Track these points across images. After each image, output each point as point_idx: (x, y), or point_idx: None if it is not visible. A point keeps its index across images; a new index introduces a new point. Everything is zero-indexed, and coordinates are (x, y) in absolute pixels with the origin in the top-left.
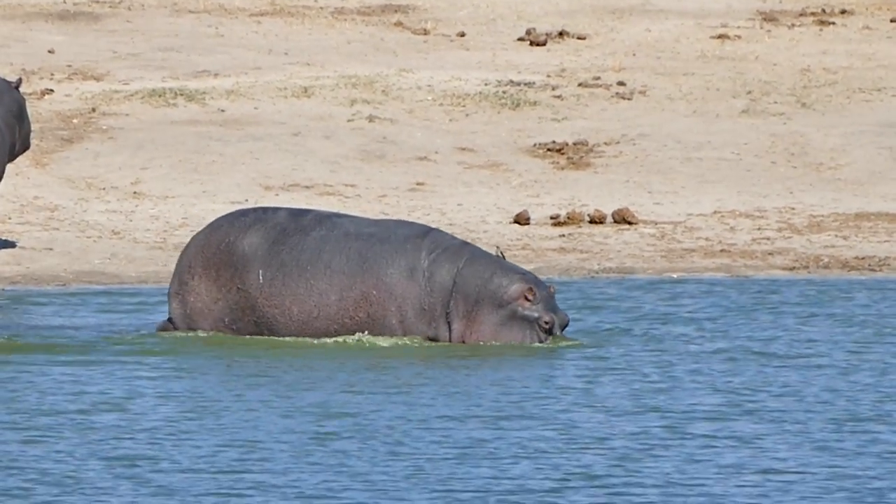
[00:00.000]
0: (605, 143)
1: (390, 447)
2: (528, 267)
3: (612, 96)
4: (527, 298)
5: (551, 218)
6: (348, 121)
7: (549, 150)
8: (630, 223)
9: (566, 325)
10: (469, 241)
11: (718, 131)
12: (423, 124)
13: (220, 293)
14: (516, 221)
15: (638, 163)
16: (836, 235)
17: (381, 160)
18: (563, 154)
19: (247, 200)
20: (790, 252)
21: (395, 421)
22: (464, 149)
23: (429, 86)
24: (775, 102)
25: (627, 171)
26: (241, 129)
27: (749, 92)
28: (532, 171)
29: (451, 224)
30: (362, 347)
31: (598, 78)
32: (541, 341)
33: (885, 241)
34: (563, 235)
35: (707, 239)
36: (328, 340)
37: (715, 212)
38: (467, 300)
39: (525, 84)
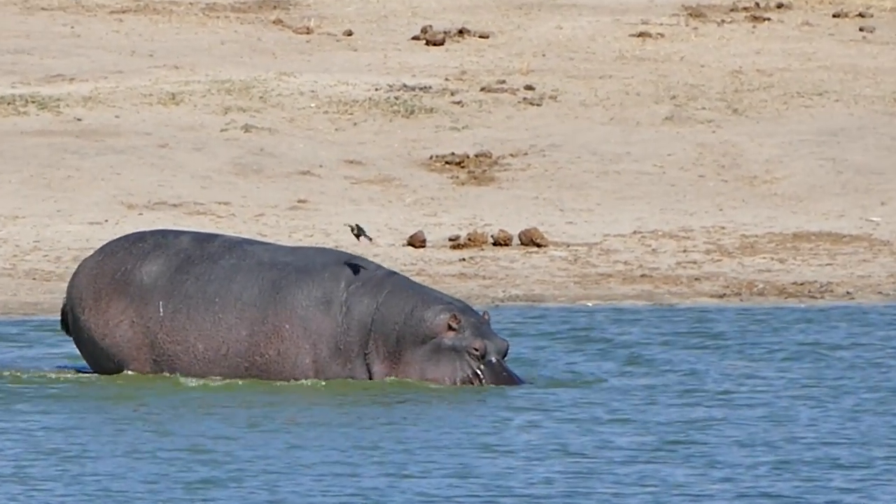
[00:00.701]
0: (512, 155)
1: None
2: None
3: (519, 102)
4: (451, 328)
5: (450, 240)
6: (222, 131)
7: (447, 163)
8: (539, 245)
9: (505, 352)
10: None
11: (639, 141)
12: (306, 134)
13: (108, 328)
14: (410, 244)
15: (548, 177)
16: (772, 258)
17: (259, 175)
18: (463, 167)
19: (106, 221)
20: (720, 277)
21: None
22: (351, 162)
23: (312, 91)
24: (703, 108)
25: (536, 186)
26: (100, 141)
27: (673, 97)
28: (428, 186)
29: (337, 245)
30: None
31: (504, 82)
32: (474, 371)
33: (827, 265)
34: (464, 259)
35: (626, 263)
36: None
37: (635, 232)
38: (387, 340)
39: (420, 89)
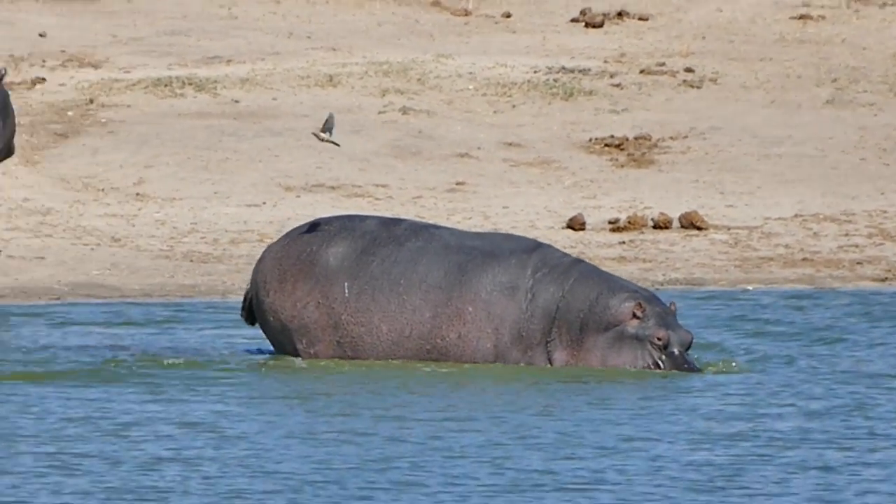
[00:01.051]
0: (671, 138)
1: None
2: None
3: (679, 84)
4: (635, 316)
5: (610, 222)
6: (379, 113)
7: (606, 145)
8: (699, 228)
9: (689, 344)
10: None
11: (800, 124)
12: (464, 117)
13: (295, 310)
14: (570, 226)
15: (708, 160)
16: None
17: (417, 157)
18: (622, 150)
19: (264, 203)
20: (881, 261)
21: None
22: (510, 144)
23: (470, 73)
24: (864, 91)
25: (696, 169)
26: (257, 123)
27: (835, 80)
28: (588, 169)
29: (495, 228)
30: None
31: (663, 64)
32: (655, 361)
33: None
34: (624, 242)
35: (787, 246)
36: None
37: (796, 215)
38: (571, 328)
39: (579, 71)
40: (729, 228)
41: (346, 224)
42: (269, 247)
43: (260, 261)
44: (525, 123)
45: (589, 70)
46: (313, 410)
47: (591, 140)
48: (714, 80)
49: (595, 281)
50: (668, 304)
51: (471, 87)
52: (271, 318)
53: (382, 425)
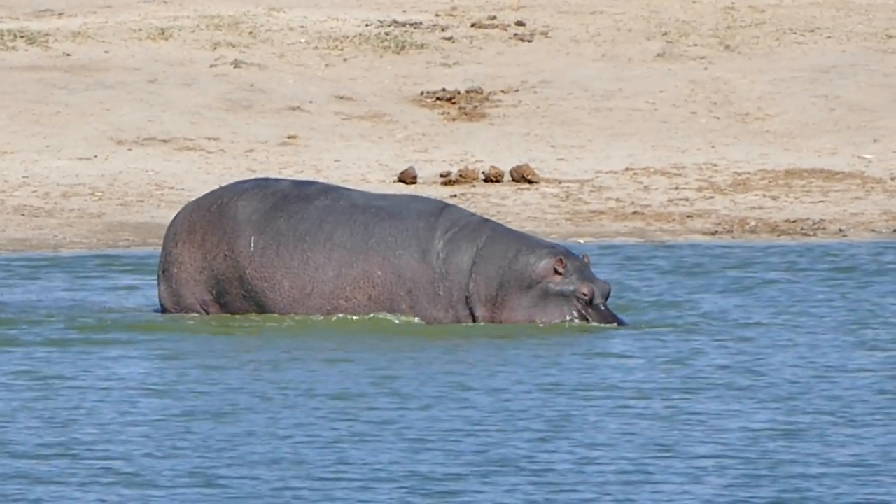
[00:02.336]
0: (503, 91)
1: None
2: None
3: (510, 38)
4: (557, 272)
5: (441, 176)
6: (211, 66)
7: (438, 98)
8: (530, 182)
9: (608, 294)
10: None
11: (631, 78)
12: (296, 70)
13: (205, 261)
14: (401, 180)
15: (539, 113)
16: (765, 195)
17: (249, 110)
18: (454, 103)
19: (95, 156)
20: (712, 214)
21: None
22: (342, 98)
23: (302, 27)
24: (695, 45)
25: (528, 122)
26: (89, 76)
27: (665, 33)
28: (419, 122)
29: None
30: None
31: (494, 17)
32: (581, 315)
33: (820, 202)
34: (455, 196)
35: (617, 199)
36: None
37: (627, 169)
38: (489, 284)
39: (411, 24)
40: (560, 182)
41: (261, 182)
42: (186, 205)
43: (175, 217)
44: (357, 77)
45: (420, 23)
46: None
47: (422, 94)
48: (545, 34)
49: (509, 238)
50: (581, 257)
51: (302, 40)
52: (176, 270)
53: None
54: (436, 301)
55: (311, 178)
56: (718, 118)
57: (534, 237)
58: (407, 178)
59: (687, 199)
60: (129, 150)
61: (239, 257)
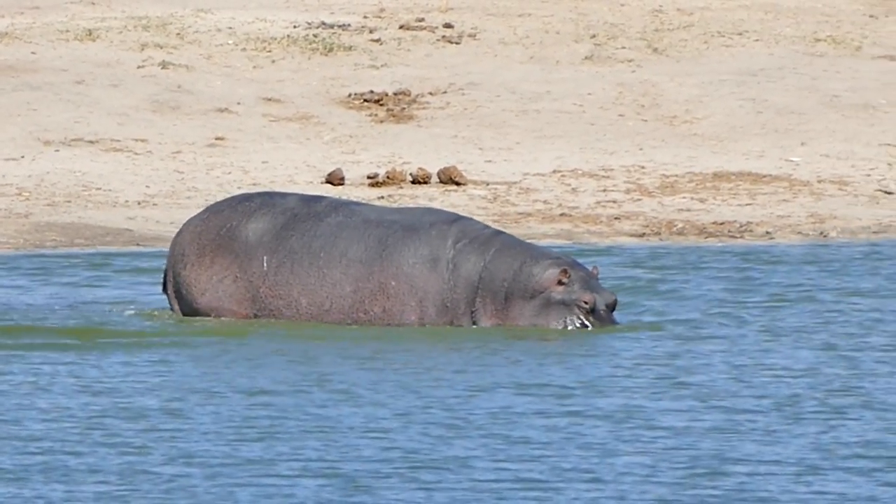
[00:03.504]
0: (430, 94)
1: None
2: None
3: (438, 40)
4: (560, 283)
5: (369, 177)
6: (138, 67)
7: (366, 100)
8: (458, 183)
9: (614, 306)
10: None
11: (558, 80)
12: (224, 71)
13: (209, 283)
14: (329, 181)
15: (467, 115)
16: (692, 198)
17: (176, 112)
18: (382, 105)
19: (22, 157)
20: (639, 216)
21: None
22: (269, 99)
23: (230, 28)
24: (623, 48)
25: (455, 124)
26: (15, 77)
27: (593, 36)
28: (347, 124)
29: (254, 184)
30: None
31: (422, 19)
32: (583, 324)
33: (748, 205)
34: (383, 197)
35: (545, 202)
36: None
37: (554, 171)
38: (496, 297)
39: (339, 26)
40: (488, 184)
41: (267, 200)
42: (188, 221)
43: (178, 234)
44: (285, 79)
45: (349, 25)
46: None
47: (350, 95)
48: (473, 36)
49: (517, 250)
50: (590, 269)
51: (230, 41)
52: (185, 292)
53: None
54: (443, 312)
55: (238, 180)
56: (646, 121)
57: (542, 248)
58: (334, 179)
59: (615, 202)
60: (57, 150)
61: (252, 277)
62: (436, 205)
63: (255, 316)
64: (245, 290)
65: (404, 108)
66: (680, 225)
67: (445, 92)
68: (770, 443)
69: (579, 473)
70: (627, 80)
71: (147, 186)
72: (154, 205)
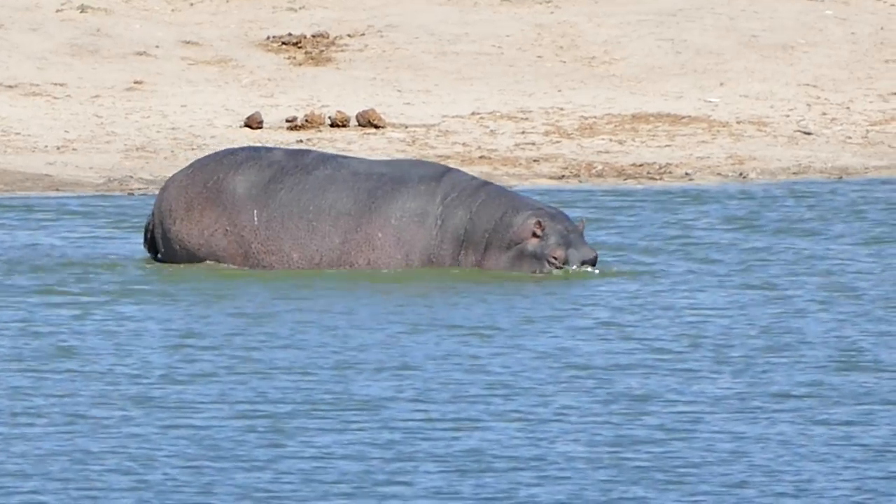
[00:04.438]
0: (349, 36)
1: None
2: None
3: None
4: (535, 234)
5: (287, 121)
6: (57, 11)
7: (284, 43)
8: (377, 126)
9: (593, 261)
10: (194, 147)
11: (476, 21)
12: (142, 15)
13: (202, 237)
14: (247, 125)
15: (386, 58)
16: (611, 139)
17: (95, 56)
18: (300, 48)
19: None
20: (558, 158)
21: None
22: (188, 42)
23: None
24: None
25: (374, 67)
26: None
27: None
28: (265, 67)
29: (173, 128)
30: None
31: None
32: None
33: (667, 146)
34: (301, 141)
35: (464, 144)
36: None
37: (473, 113)
38: (477, 247)
39: None
40: (406, 126)
41: (252, 154)
42: (173, 176)
43: (163, 190)
44: (203, 21)
45: None
46: None
47: (268, 38)
48: None
49: (501, 201)
50: (576, 222)
51: None
52: (177, 247)
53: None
54: (429, 265)
55: (157, 124)
56: (565, 62)
57: (529, 199)
58: (253, 123)
59: (533, 144)
60: None
61: (243, 232)
62: (354, 147)
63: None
64: (237, 245)
65: (323, 51)
66: (599, 167)
67: (364, 34)
68: (696, 381)
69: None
70: (546, 21)
71: (66, 131)
72: (73, 149)
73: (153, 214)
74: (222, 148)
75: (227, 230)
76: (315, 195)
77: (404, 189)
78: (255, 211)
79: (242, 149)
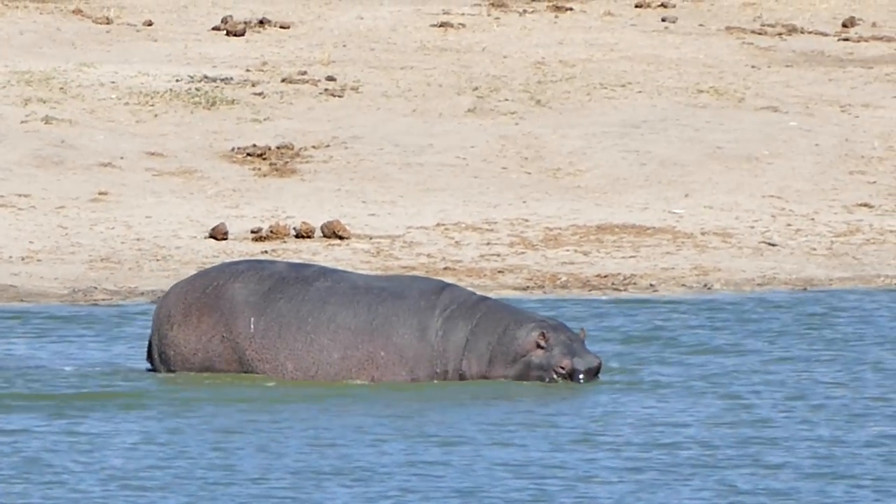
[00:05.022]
0: (314, 147)
1: None
2: None
3: (321, 93)
4: (539, 346)
5: (252, 232)
6: (22, 122)
7: (249, 154)
8: (341, 237)
9: (597, 370)
10: (159, 258)
11: (441, 133)
12: (107, 126)
13: (199, 343)
14: (212, 236)
15: (350, 169)
16: (576, 251)
17: (59, 167)
18: (265, 159)
19: None
20: (523, 269)
21: None
22: (153, 153)
23: (112, 82)
24: (506, 100)
25: (339, 178)
26: None
27: (476, 88)
28: (230, 178)
29: (138, 239)
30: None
31: (305, 72)
32: None
33: (631, 257)
34: (266, 252)
35: (429, 255)
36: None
37: (438, 224)
38: (480, 360)
39: (221, 80)
40: (371, 237)
41: (254, 265)
42: (175, 284)
43: (164, 297)
44: (168, 133)
45: (231, 79)
46: None
47: (233, 149)
48: (355, 89)
49: (502, 314)
50: (576, 332)
51: (113, 95)
52: (172, 353)
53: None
54: (433, 378)
55: (122, 235)
56: (530, 173)
57: (529, 312)
58: (218, 234)
59: (498, 255)
60: None
61: (238, 339)
62: (319, 259)
63: None
64: (232, 352)
65: (287, 162)
66: (564, 278)
67: (328, 145)
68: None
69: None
70: (510, 132)
71: (31, 242)
72: (38, 260)
73: (152, 322)
74: (187, 259)
75: (223, 336)
76: (314, 307)
77: (404, 305)
78: (252, 318)
79: (245, 260)
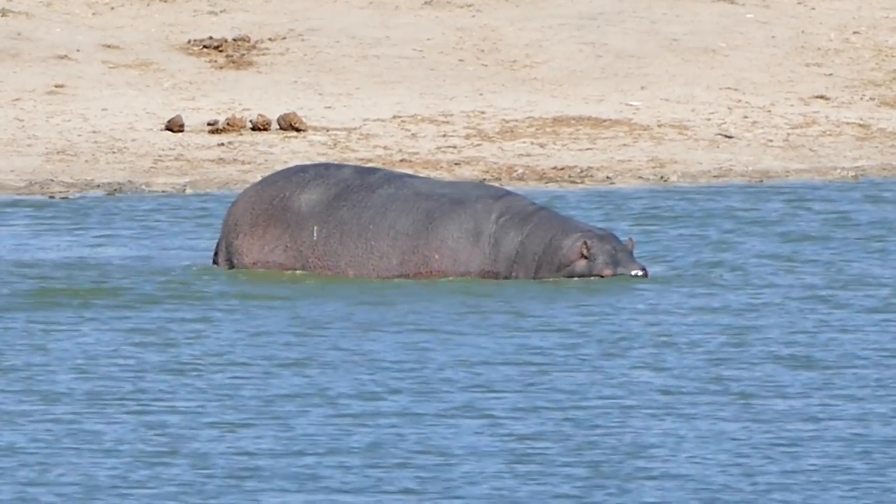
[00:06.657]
0: (270, 39)
1: None
2: (182, 180)
3: None
4: (583, 255)
5: (208, 124)
6: None
7: (205, 47)
8: (298, 130)
9: (644, 278)
10: (115, 150)
11: (398, 25)
12: (63, 18)
13: (261, 252)
14: (169, 128)
15: (307, 61)
16: (532, 143)
17: (15, 59)
18: (221, 52)
19: None
20: (480, 161)
21: None
22: (109, 46)
23: None
24: None
25: (295, 70)
26: None
27: None
28: (186, 70)
29: (95, 131)
30: None
31: None
32: None
33: (588, 149)
34: (223, 144)
35: (385, 147)
36: None
37: (394, 116)
38: (528, 269)
39: None
40: (328, 130)
41: (322, 172)
42: (245, 191)
43: (233, 205)
44: (124, 25)
45: None
46: None
47: (189, 42)
48: None
49: (552, 224)
50: (624, 242)
51: None
52: (235, 260)
53: None
54: None
55: (78, 128)
56: (486, 66)
57: (579, 223)
58: (174, 126)
59: (455, 147)
60: None
61: (301, 247)
62: (276, 151)
63: None
64: (294, 260)
65: (244, 55)
66: (520, 170)
67: (285, 38)
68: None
69: None
70: (467, 24)
71: None
72: None
73: (221, 227)
74: (143, 151)
75: (287, 246)
76: (376, 213)
77: (461, 209)
78: (315, 227)
79: (313, 165)
